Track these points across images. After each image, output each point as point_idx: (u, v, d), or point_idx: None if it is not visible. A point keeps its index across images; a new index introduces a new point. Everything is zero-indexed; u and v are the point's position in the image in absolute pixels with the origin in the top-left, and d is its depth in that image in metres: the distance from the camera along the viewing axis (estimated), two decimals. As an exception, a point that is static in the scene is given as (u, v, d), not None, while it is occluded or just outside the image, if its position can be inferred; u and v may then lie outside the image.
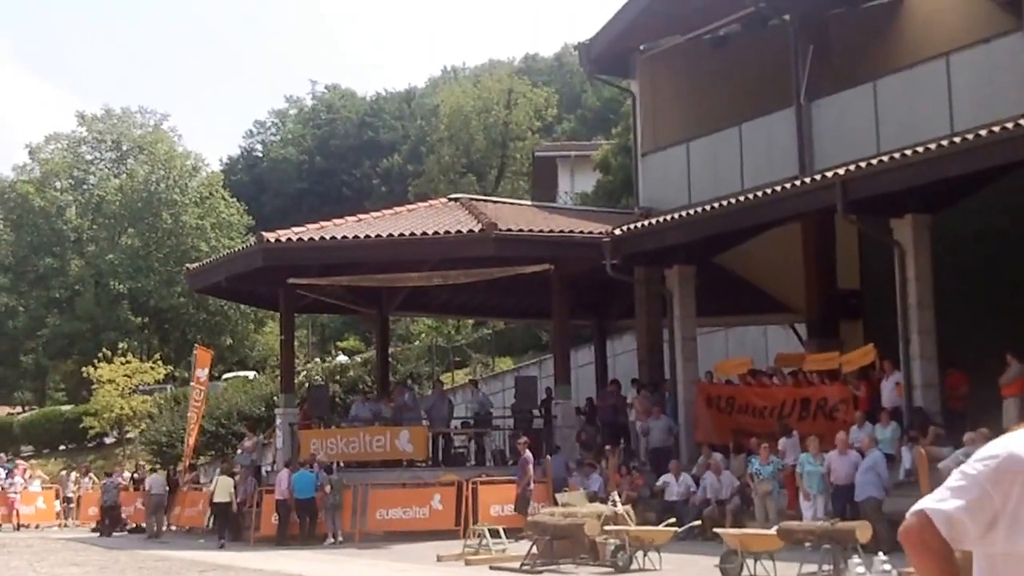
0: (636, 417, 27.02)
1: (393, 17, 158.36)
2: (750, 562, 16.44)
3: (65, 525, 35.08)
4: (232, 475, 28.26)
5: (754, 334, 33.30)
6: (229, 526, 27.15)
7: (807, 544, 16.68)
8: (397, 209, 30.03)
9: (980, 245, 24.01)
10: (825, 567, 15.93)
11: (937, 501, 3.17)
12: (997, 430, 3.94)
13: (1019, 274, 22.64)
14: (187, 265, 35.72)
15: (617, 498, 20.89)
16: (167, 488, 30.87)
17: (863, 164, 20.69)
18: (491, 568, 19.52)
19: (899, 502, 18.75)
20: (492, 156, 71.51)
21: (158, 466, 41.38)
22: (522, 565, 19.05)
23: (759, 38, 27.29)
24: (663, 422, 25.75)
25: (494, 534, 21.54)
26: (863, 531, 15.86)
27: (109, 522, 31.55)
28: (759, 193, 22.79)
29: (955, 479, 3.24)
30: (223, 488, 27.42)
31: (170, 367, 54.40)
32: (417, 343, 52.51)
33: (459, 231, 26.00)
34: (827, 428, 21.56)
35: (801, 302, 27.72)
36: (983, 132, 18.66)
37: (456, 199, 30.78)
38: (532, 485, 23.98)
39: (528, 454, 24.31)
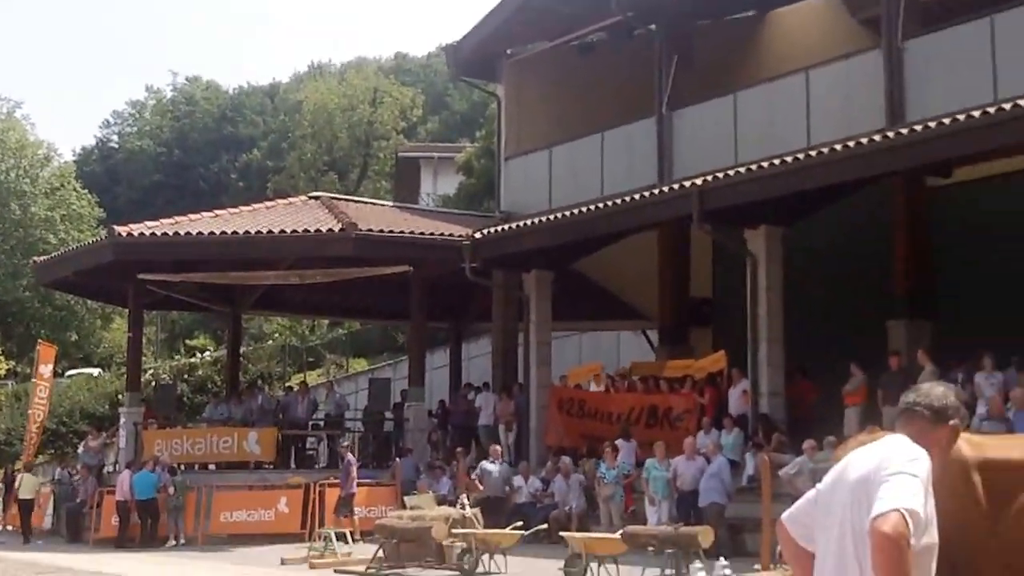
0: (501, 422, 26.60)
1: (261, 10, 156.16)
2: (594, 566, 16.44)
3: None
4: (72, 473, 27.69)
5: (608, 339, 33.53)
6: (68, 526, 26.47)
7: (650, 548, 16.70)
8: (255, 206, 29.38)
9: (832, 258, 24.39)
10: (668, 571, 15.98)
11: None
12: (841, 439, 4.00)
13: (867, 287, 23.07)
14: (34, 258, 34.71)
15: (466, 501, 20.71)
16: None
17: (720, 175, 20.90)
18: (335, 572, 19.24)
19: (741, 508, 19.00)
20: (355, 155, 70.77)
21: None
22: (367, 568, 18.81)
23: (625, 47, 27.42)
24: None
25: (340, 537, 21.21)
26: (705, 536, 15.95)
27: None
28: (618, 201, 22.91)
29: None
30: (28, 486, 27.67)
31: (12, 363, 52.77)
32: (270, 342, 51.65)
33: (318, 230, 25.56)
34: (672, 436, 21.70)
35: (654, 309, 27.94)
36: (839, 147, 18.99)
37: (316, 197, 30.30)
38: (355, 488, 23.61)
39: (351, 457, 24.14)
